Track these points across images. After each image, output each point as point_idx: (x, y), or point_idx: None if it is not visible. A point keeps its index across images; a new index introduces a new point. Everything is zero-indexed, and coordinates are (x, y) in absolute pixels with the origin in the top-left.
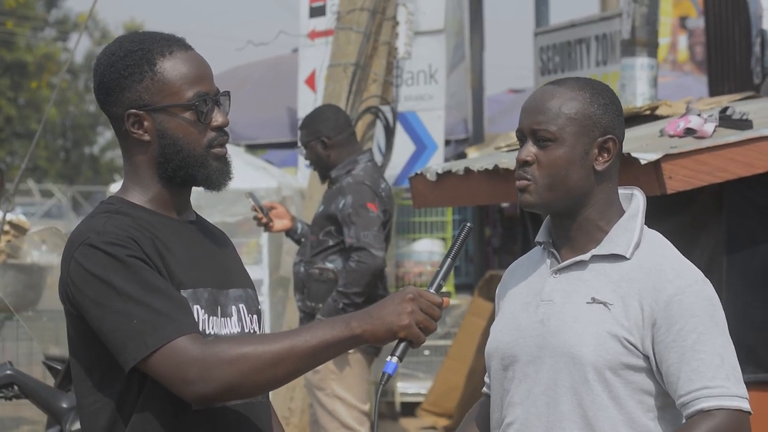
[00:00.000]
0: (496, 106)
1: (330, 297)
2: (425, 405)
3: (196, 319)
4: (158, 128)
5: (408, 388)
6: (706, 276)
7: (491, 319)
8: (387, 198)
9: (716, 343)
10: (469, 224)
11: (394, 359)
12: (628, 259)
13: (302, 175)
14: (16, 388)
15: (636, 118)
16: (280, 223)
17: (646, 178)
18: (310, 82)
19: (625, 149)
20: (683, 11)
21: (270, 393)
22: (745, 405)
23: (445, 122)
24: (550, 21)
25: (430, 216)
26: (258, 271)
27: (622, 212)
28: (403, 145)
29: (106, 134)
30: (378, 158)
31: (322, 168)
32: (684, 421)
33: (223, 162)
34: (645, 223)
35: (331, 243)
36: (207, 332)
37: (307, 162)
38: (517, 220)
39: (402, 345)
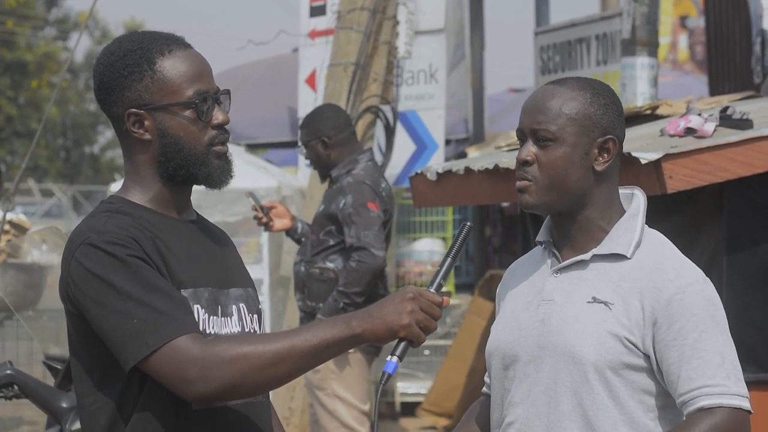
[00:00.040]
0: (497, 106)
1: (330, 296)
2: (425, 405)
3: (197, 319)
4: (159, 127)
5: (408, 387)
6: (706, 275)
7: (491, 318)
8: (387, 197)
9: (717, 342)
10: (469, 223)
11: (394, 359)
12: (629, 258)
13: (302, 174)
14: (16, 387)
15: (636, 117)
16: (280, 223)
17: (647, 178)
18: (311, 81)
19: (626, 149)
20: (683, 10)
21: (270, 393)
22: (746, 404)
23: (445, 122)
24: (550, 20)
25: (431, 215)
26: (258, 271)
27: (622, 212)
28: (404, 145)
29: (107, 133)
30: (378, 158)
31: (323, 167)
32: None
33: (224, 160)
34: (645, 223)
35: (331, 242)
36: (207, 332)
37: (308, 161)
38: (518, 219)
39: (402, 344)
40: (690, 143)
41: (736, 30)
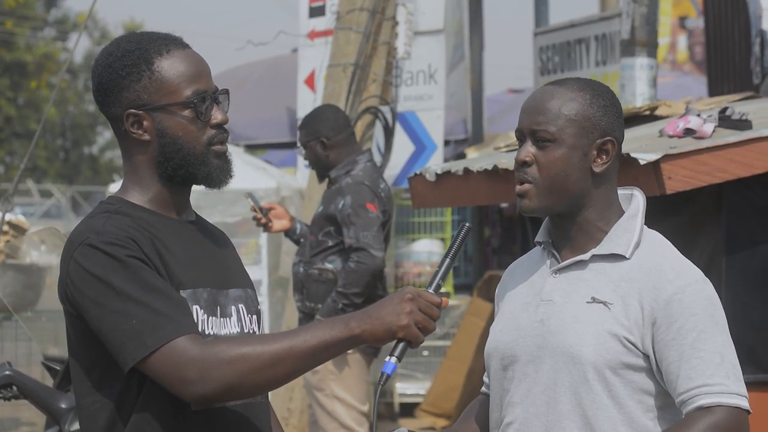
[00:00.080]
0: (496, 107)
1: (329, 297)
2: (424, 405)
3: (196, 320)
4: (157, 127)
5: (407, 388)
6: (705, 276)
7: (490, 319)
8: (386, 198)
9: (716, 342)
10: (467, 224)
11: (393, 359)
12: (628, 258)
13: (301, 175)
14: (14, 388)
15: (635, 118)
16: (279, 224)
17: (646, 179)
18: (310, 82)
19: (625, 149)
20: (683, 11)
21: (269, 393)
22: (744, 403)
23: (444, 122)
24: (549, 21)
25: (430, 216)
26: (257, 272)
27: (621, 213)
28: (403, 146)
29: (106, 134)
30: (377, 158)
31: (321, 168)
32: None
33: (224, 159)
34: (644, 224)
35: (330, 243)
36: (206, 332)
37: (306, 162)
38: (516, 220)
39: (401, 345)
40: (689, 144)
41: (735, 31)
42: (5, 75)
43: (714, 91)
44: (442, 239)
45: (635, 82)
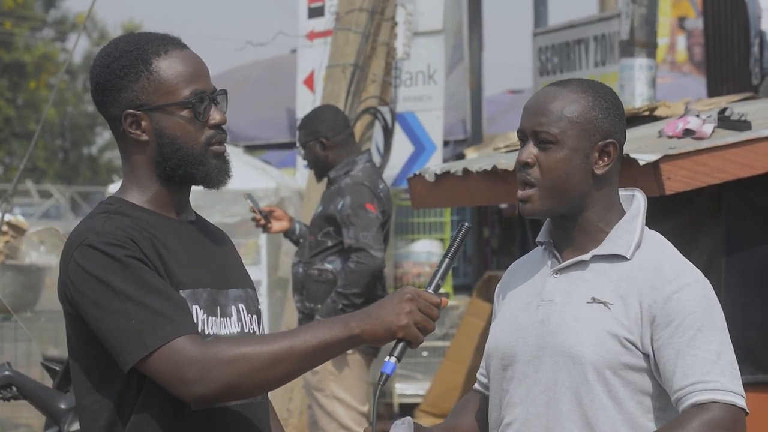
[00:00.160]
0: (495, 107)
1: (329, 298)
2: (423, 406)
3: (195, 320)
4: (156, 128)
5: (406, 389)
6: (705, 277)
7: (490, 320)
8: (386, 199)
9: (713, 341)
10: (467, 224)
11: (393, 359)
12: (629, 259)
13: (301, 175)
14: (14, 389)
15: (635, 118)
16: (278, 225)
17: (645, 179)
18: (309, 82)
19: (624, 150)
20: (682, 12)
21: (269, 393)
22: (740, 401)
23: (443, 123)
24: (548, 21)
25: (429, 217)
26: (256, 272)
27: (622, 213)
28: (402, 146)
29: (105, 135)
30: (376, 159)
31: (320, 168)
32: None
33: (222, 160)
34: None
35: (329, 244)
36: (206, 332)
37: (305, 162)
38: (516, 221)
39: (400, 345)
40: (688, 144)
41: (734, 31)
42: (4, 75)
43: (713, 91)
44: (442, 240)
45: (634, 83)
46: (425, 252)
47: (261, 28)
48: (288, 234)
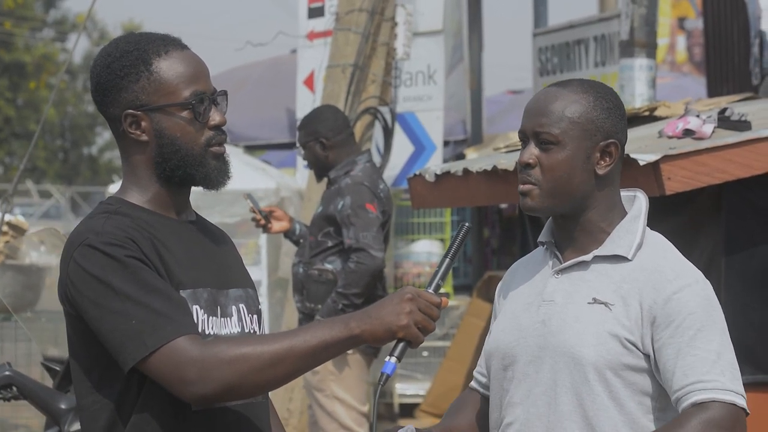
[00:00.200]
0: (495, 107)
1: (329, 298)
2: (424, 406)
3: (196, 320)
4: (156, 128)
5: (406, 389)
6: (705, 277)
7: (490, 320)
8: (386, 199)
9: (713, 341)
10: (467, 224)
11: (393, 359)
12: (630, 260)
13: (301, 176)
14: (14, 389)
15: (635, 119)
16: (278, 225)
17: (645, 179)
18: (309, 82)
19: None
20: (682, 12)
21: (269, 393)
22: (740, 401)
23: (443, 123)
24: (548, 22)
25: (429, 217)
26: (256, 272)
27: (624, 214)
28: (402, 146)
29: (105, 135)
30: (377, 159)
31: (320, 168)
32: None
33: (222, 161)
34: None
35: (330, 244)
36: (207, 332)
37: (305, 162)
38: (516, 221)
39: (400, 345)
40: (688, 145)
41: (734, 31)
42: (4, 76)
43: (713, 91)
44: (442, 240)
45: (634, 83)
46: (425, 252)
47: (261, 28)
48: (288, 234)
